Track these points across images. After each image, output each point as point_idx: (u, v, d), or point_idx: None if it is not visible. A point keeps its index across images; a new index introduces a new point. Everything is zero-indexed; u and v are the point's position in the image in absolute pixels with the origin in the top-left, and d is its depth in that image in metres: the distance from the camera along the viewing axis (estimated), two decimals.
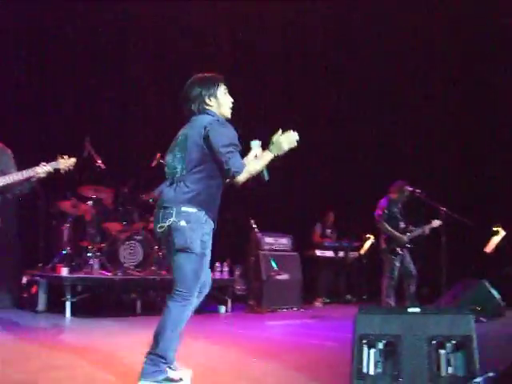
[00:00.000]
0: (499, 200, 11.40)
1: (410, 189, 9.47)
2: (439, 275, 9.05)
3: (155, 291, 9.97)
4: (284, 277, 10.56)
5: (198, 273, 4.41)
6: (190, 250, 4.34)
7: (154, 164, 10.09)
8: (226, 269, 10.68)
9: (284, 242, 11.31)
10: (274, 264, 10.36)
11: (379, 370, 4.06)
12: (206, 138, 4.39)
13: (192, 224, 4.36)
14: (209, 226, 4.47)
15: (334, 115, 13.24)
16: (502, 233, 9.40)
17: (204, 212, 4.41)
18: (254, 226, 10.51)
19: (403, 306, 9.07)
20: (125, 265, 9.72)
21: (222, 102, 4.62)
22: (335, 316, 10.13)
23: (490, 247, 9.48)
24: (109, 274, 9.59)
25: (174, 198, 4.41)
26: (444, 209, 9.33)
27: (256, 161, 4.57)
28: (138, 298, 9.69)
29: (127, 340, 6.99)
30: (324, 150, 13.24)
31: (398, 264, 9.27)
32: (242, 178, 4.42)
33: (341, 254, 12.42)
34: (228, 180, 4.56)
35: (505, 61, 11.20)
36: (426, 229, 9.41)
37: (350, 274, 12.65)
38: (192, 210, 4.37)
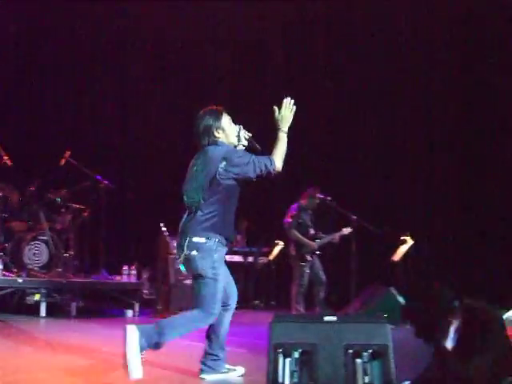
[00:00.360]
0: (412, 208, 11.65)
1: (321, 196, 9.54)
2: (349, 282, 9.14)
3: (60, 294, 9.68)
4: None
5: (214, 295, 4.80)
6: (203, 276, 4.79)
7: (62, 162, 9.88)
8: (133, 272, 10.47)
9: None
10: (182, 268, 10.23)
11: (295, 380, 4.01)
12: (227, 169, 4.79)
13: (202, 253, 4.78)
14: (219, 253, 4.87)
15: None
16: (410, 242, 9.58)
17: (215, 239, 4.81)
18: (164, 228, 10.35)
19: (313, 312, 9.12)
20: (29, 266, 9.45)
21: (228, 132, 5.04)
22: (244, 321, 10.00)
23: (397, 256, 9.66)
24: (12, 275, 9.31)
25: (188, 229, 4.85)
26: (354, 217, 9.45)
27: (278, 144, 4.97)
28: (42, 300, 9.39)
29: (29, 343, 6.74)
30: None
31: (307, 271, 9.32)
32: (278, 164, 4.91)
33: (250, 259, 12.37)
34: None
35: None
36: (336, 236, 9.50)
37: (258, 279, 12.59)
38: (202, 240, 4.79)
